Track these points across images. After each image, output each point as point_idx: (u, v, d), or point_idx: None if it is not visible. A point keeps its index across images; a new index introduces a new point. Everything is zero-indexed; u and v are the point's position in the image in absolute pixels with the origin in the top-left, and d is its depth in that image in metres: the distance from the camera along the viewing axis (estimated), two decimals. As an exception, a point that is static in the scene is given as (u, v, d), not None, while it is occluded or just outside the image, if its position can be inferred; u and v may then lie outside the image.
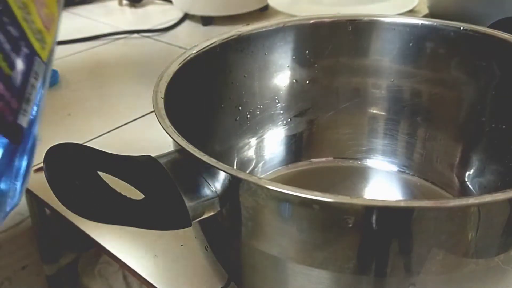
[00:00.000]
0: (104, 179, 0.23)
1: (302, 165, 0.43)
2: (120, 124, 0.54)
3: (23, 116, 0.18)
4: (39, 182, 0.45)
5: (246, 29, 0.38)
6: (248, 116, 0.40)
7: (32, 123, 0.19)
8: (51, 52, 0.20)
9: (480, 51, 0.37)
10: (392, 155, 0.43)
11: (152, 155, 0.26)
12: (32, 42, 0.17)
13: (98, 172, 0.23)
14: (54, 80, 0.63)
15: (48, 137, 0.51)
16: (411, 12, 0.74)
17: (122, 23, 0.85)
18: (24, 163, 0.19)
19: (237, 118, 0.40)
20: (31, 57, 0.18)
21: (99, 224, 0.24)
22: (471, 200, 0.22)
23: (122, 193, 0.24)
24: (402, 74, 0.41)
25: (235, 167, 0.40)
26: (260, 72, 0.40)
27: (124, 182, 0.24)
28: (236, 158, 0.40)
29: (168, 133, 0.26)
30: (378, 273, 0.24)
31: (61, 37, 0.26)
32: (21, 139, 0.18)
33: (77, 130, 0.53)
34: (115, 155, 0.25)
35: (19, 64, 0.17)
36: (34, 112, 0.19)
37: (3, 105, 0.16)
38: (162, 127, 0.26)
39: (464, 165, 0.39)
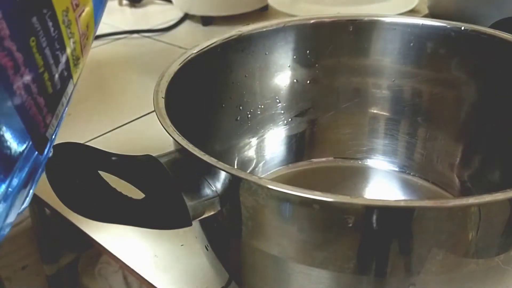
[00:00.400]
0: (105, 179, 0.23)
1: (303, 165, 0.43)
2: (121, 124, 0.54)
3: (50, 130, 0.20)
4: (39, 182, 0.45)
5: (246, 29, 0.38)
6: (249, 116, 0.41)
7: (54, 136, 0.21)
8: (80, 75, 0.22)
9: (481, 51, 0.37)
10: (392, 155, 0.43)
11: (153, 154, 0.26)
12: (71, 67, 0.20)
13: (99, 171, 0.23)
14: (55, 80, 0.63)
15: (48, 137, 0.51)
16: (411, 12, 0.74)
17: (122, 23, 0.85)
18: (40, 171, 0.21)
19: (238, 118, 0.40)
20: (67, 79, 0.20)
21: (99, 224, 0.24)
22: (471, 200, 0.22)
23: (123, 192, 0.24)
24: (403, 74, 0.41)
25: (235, 167, 0.40)
26: (261, 72, 0.40)
27: (125, 182, 0.24)
28: (236, 158, 0.40)
29: (168, 133, 0.26)
30: (378, 273, 0.24)
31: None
32: (45, 150, 0.20)
33: (77, 130, 0.53)
34: (115, 155, 0.25)
35: (58, 85, 0.19)
36: (57, 127, 0.21)
37: (41, 119, 0.18)
38: (163, 126, 0.26)
39: (465, 165, 0.39)
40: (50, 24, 0.17)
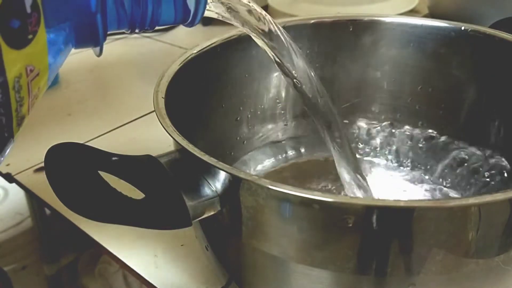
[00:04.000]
0: (105, 179, 0.23)
1: (303, 165, 0.43)
2: (120, 124, 0.54)
3: None
4: (39, 182, 0.45)
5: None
6: (249, 116, 0.41)
7: None
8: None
9: (481, 51, 0.37)
10: (392, 154, 0.43)
11: (153, 154, 0.26)
12: (14, 128, 0.19)
13: (99, 171, 0.23)
14: (54, 80, 0.63)
15: (48, 137, 0.51)
16: (411, 12, 0.74)
17: (123, 23, 0.85)
18: None
19: (238, 118, 0.40)
20: (7, 140, 0.19)
21: (99, 224, 0.24)
22: (471, 200, 0.22)
23: (123, 192, 0.24)
24: (403, 74, 0.41)
25: (235, 167, 0.40)
26: (261, 72, 0.40)
27: (125, 182, 0.24)
28: (236, 158, 0.40)
29: (168, 133, 0.26)
30: (378, 273, 0.24)
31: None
32: None
33: (77, 130, 0.53)
34: (115, 155, 0.25)
35: None
36: None
37: None
38: (163, 126, 0.26)
39: (465, 164, 0.39)
40: None
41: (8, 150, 0.20)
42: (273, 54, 0.31)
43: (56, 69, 0.21)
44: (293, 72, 0.31)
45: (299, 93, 0.33)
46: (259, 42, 0.30)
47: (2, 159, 0.20)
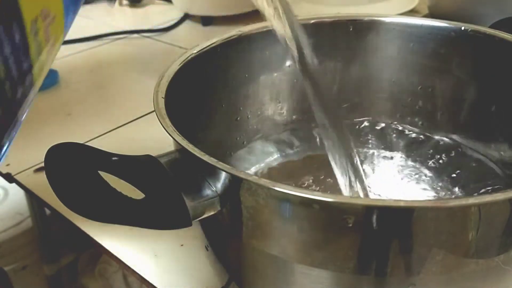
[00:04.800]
0: (105, 179, 0.23)
1: (303, 164, 0.43)
2: (120, 124, 0.54)
3: (5, 138, 0.20)
4: (39, 182, 0.45)
5: (246, 29, 0.38)
6: (249, 116, 0.41)
7: (8, 144, 0.22)
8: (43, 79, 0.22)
9: (481, 51, 0.37)
10: (393, 155, 0.43)
11: (153, 154, 0.26)
12: (34, 75, 0.19)
13: (99, 171, 0.23)
14: (54, 80, 0.63)
15: (48, 137, 0.51)
16: (411, 12, 0.74)
17: (122, 23, 0.85)
18: None
19: (238, 118, 0.40)
20: (30, 87, 0.20)
21: (99, 224, 0.24)
22: (471, 200, 0.22)
23: (123, 192, 0.24)
24: (403, 74, 0.41)
25: (235, 167, 0.40)
26: (261, 72, 0.40)
27: (125, 182, 0.24)
28: (237, 158, 0.40)
29: (168, 133, 0.26)
30: (378, 273, 0.24)
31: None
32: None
33: (77, 130, 0.53)
34: (115, 155, 0.25)
35: (19, 93, 0.19)
36: (14, 133, 0.21)
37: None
38: (163, 126, 0.26)
39: (465, 163, 0.39)
40: (17, 33, 0.17)
41: (31, 99, 0.20)
42: (294, 46, 0.31)
43: (71, 16, 0.21)
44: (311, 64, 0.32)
45: (310, 85, 0.33)
46: (281, 31, 0.31)
47: (27, 111, 0.20)
